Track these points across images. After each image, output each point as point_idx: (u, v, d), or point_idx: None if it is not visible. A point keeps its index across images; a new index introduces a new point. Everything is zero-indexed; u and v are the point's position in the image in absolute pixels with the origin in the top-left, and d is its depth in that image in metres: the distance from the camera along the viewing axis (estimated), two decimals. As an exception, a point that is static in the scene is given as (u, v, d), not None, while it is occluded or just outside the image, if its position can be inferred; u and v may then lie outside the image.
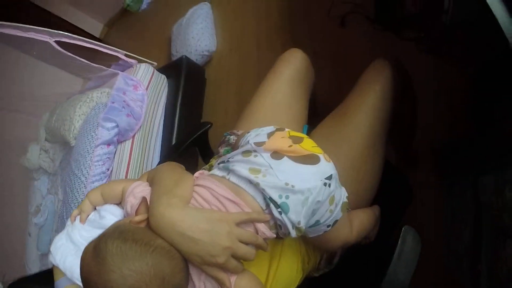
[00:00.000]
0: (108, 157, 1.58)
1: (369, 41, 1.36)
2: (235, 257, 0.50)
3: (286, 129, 0.61)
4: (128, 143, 1.64)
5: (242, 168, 0.55)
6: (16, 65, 2.14)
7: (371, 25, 1.35)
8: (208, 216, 0.50)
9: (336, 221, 0.57)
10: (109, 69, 1.83)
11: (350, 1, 1.43)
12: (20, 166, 2.14)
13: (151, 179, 0.60)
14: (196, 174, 0.61)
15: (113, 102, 1.60)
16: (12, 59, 2.09)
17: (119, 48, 1.87)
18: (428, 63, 1.14)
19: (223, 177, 0.57)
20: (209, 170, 0.63)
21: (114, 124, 1.56)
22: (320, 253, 0.71)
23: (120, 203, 0.63)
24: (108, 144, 1.58)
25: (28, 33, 1.57)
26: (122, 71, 1.83)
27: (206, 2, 2.21)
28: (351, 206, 0.65)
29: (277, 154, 0.55)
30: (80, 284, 0.52)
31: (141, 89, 1.71)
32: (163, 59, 2.33)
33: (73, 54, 1.68)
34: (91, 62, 1.75)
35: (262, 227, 0.53)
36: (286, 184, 0.52)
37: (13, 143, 2.17)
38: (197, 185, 0.56)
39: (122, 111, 1.59)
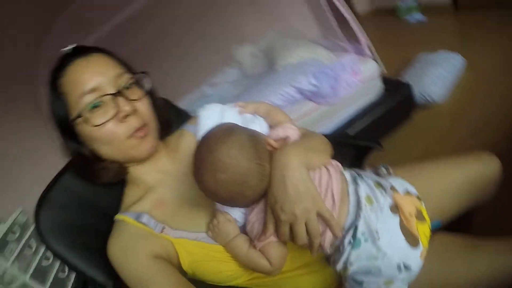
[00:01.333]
0: (289, 100, 1.74)
1: None
2: (291, 228, 0.54)
3: (422, 202, 0.60)
4: (307, 106, 1.75)
5: (363, 190, 0.58)
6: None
7: None
8: (310, 187, 0.54)
9: None
10: (347, 43, 1.88)
11: None
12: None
13: (304, 132, 0.67)
14: (334, 162, 0.63)
15: (331, 69, 1.72)
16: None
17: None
18: None
19: (347, 181, 0.60)
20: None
21: (315, 83, 1.68)
22: None
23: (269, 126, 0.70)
24: (298, 92, 1.73)
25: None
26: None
27: (460, 56, 2.09)
28: None
29: (394, 209, 0.56)
30: (199, 132, 0.66)
31: (357, 79, 1.77)
32: (391, 71, 2.22)
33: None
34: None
35: (328, 236, 0.55)
36: (377, 232, 0.54)
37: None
38: (326, 168, 0.60)
39: (329, 80, 1.69)
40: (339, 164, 0.64)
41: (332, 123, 1.82)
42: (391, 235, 0.54)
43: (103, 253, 0.61)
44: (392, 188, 0.59)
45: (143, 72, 0.68)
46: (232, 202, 0.58)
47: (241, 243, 0.60)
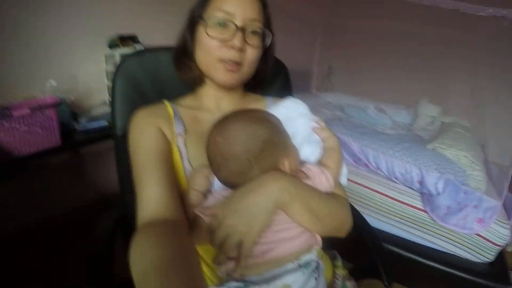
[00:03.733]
0: (407, 179, 1.58)
1: None
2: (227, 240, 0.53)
3: None
4: (410, 198, 1.56)
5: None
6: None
7: None
8: (258, 218, 0.53)
9: None
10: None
11: None
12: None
13: (333, 195, 0.64)
14: (317, 237, 0.61)
15: (464, 192, 1.46)
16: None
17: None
18: None
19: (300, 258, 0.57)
20: None
21: (438, 190, 1.48)
22: None
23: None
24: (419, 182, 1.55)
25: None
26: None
27: None
28: None
29: None
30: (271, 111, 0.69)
31: (477, 231, 1.42)
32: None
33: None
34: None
35: (230, 265, 0.54)
36: None
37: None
38: (299, 231, 0.58)
39: (453, 201, 1.45)
40: (319, 243, 0.60)
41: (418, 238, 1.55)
42: None
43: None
44: None
45: (271, 32, 0.75)
46: (211, 166, 0.61)
47: (192, 196, 0.62)
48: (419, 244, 1.54)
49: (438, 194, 1.46)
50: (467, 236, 1.42)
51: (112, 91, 0.83)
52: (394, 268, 0.75)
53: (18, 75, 1.46)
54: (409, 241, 1.56)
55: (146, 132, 0.68)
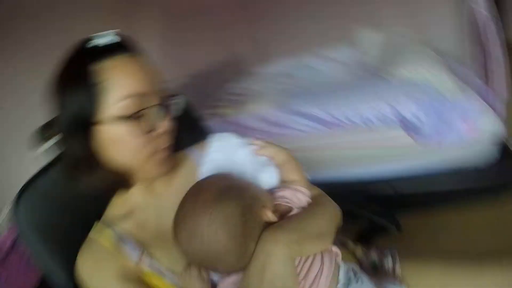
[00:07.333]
0: (380, 119, 1.47)
1: None
2: None
3: None
4: (396, 134, 1.46)
5: None
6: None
7: None
8: (288, 286, 0.50)
9: None
10: (476, 81, 1.51)
11: None
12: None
13: (316, 195, 0.63)
14: (334, 249, 0.59)
15: (445, 108, 1.40)
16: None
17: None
18: None
19: (338, 280, 0.56)
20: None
21: (419, 119, 1.40)
22: None
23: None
24: (397, 117, 1.45)
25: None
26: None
27: None
28: None
29: None
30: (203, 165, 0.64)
31: (469, 132, 1.41)
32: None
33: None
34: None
35: None
36: None
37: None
38: (321, 256, 0.56)
39: (437, 123, 1.39)
40: (339, 254, 0.59)
41: (412, 165, 1.50)
42: None
43: (71, 259, 0.59)
44: None
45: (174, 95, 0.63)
46: (204, 266, 0.55)
47: None
48: (419, 176, 1.51)
49: (422, 122, 1.41)
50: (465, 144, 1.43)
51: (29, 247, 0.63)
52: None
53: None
54: (413, 176, 1.52)
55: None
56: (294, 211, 0.59)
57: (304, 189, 0.61)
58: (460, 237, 1.30)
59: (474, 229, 1.35)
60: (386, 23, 2.08)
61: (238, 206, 0.52)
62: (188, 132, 0.81)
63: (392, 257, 0.71)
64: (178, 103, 0.63)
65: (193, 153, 0.72)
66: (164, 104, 0.58)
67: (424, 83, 1.50)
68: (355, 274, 0.59)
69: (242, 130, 1.58)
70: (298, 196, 0.60)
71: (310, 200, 0.62)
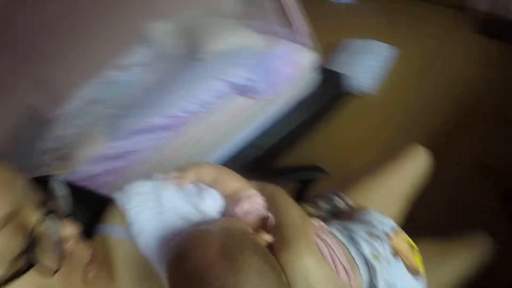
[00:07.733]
0: (218, 96, 1.54)
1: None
2: None
3: (402, 231, 0.63)
4: (239, 103, 1.60)
5: (365, 248, 0.57)
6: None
7: None
8: (335, 280, 0.50)
9: None
10: (281, 27, 1.70)
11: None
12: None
13: (274, 203, 0.56)
14: (316, 222, 0.60)
15: (267, 60, 1.57)
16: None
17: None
18: None
19: (343, 243, 0.58)
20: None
21: (251, 78, 1.53)
22: None
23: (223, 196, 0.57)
24: (229, 87, 1.55)
25: None
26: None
27: (390, 46, 2.03)
28: None
29: (396, 254, 0.59)
30: (139, 239, 0.49)
31: (293, 71, 1.66)
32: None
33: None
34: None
35: None
36: (395, 285, 0.55)
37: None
38: (317, 236, 0.56)
39: (265, 74, 1.55)
40: (319, 222, 0.61)
41: (265, 120, 1.71)
42: (404, 280, 0.57)
43: None
44: (385, 234, 0.60)
45: None
46: None
47: None
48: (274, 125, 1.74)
49: (255, 81, 1.55)
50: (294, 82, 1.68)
51: None
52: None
53: None
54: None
55: None
56: (269, 216, 0.53)
57: (252, 191, 0.57)
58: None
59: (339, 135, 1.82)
60: (173, 9, 2.02)
61: (250, 251, 0.45)
62: (84, 207, 0.61)
63: (337, 195, 0.74)
64: (56, 186, 0.46)
65: (112, 231, 0.54)
66: (48, 206, 0.42)
67: (240, 48, 1.64)
68: (347, 228, 0.61)
69: (91, 182, 1.40)
70: (256, 201, 0.55)
71: (262, 197, 0.58)
